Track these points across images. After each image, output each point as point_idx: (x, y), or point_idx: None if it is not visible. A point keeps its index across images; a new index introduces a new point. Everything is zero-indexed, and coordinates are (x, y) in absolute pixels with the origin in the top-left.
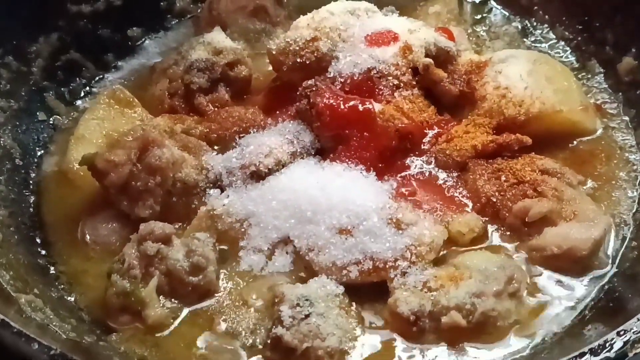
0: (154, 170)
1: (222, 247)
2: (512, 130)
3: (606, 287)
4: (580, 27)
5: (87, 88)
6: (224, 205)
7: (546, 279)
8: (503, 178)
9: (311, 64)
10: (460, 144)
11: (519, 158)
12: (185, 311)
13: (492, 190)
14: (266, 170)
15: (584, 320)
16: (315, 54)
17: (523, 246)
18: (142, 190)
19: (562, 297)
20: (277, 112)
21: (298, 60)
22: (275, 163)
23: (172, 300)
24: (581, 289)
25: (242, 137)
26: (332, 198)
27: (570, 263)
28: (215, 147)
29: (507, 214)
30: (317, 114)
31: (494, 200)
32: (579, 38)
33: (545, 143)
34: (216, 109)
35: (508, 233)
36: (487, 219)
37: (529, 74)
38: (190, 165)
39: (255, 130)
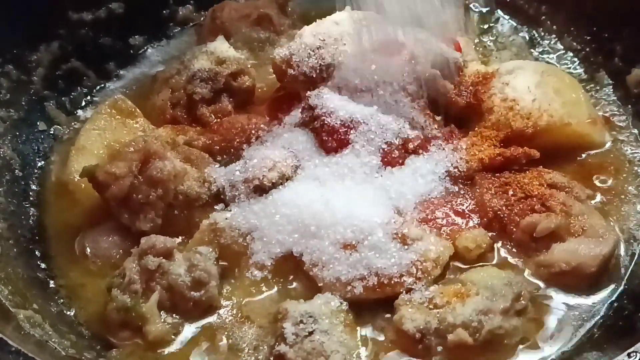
0: (156, 183)
1: (224, 262)
2: (520, 143)
3: (615, 305)
4: (588, 37)
5: (89, 97)
6: (226, 218)
7: (554, 296)
8: (510, 192)
9: (315, 74)
10: (467, 157)
11: (527, 172)
12: (187, 327)
13: (500, 204)
14: (270, 185)
15: (592, 339)
16: (320, 64)
17: (530, 262)
18: (144, 203)
19: (570, 315)
20: (281, 122)
21: (302, 70)
22: (279, 177)
23: (174, 315)
24: (590, 307)
25: (245, 148)
26: (337, 213)
27: (579, 280)
28: (218, 159)
29: (514, 229)
30: (321, 126)
31: (501, 215)
32: (588, 49)
33: (553, 156)
34: (219, 119)
35: (514, 249)
36: (494, 233)
37: (536, 86)
38: (192, 177)
39: (258, 141)
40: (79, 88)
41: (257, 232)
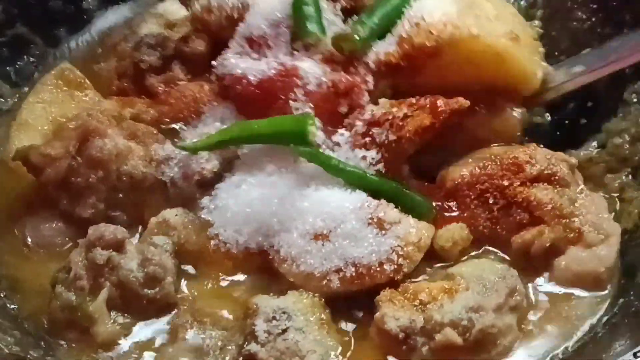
0: (96, 164)
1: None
2: (424, 63)
3: (621, 301)
4: None
5: (35, 67)
6: (176, 215)
7: (552, 292)
8: (491, 201)
9: (236, 13)
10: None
11: (499, 162)
12: (140, 328)
13: (484, 218)
14: (212, 175)
15: (595, 339)
16: (240, 2)
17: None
18: (83, 186)
19: (571, 312)
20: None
21: (223, 12)
22: (221, 163)
23: (125, 315)
24: (593, 304)
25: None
26: (303, 201)
27: (589, 289)
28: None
29: (506, 247)
30: (237, 96)
31: (487, 232)
32: None
33: (493, 103)
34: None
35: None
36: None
37: (451, 3)
38: (137, 156)
39: (198, 118)
40: (25, 57)
41: (213, 229)
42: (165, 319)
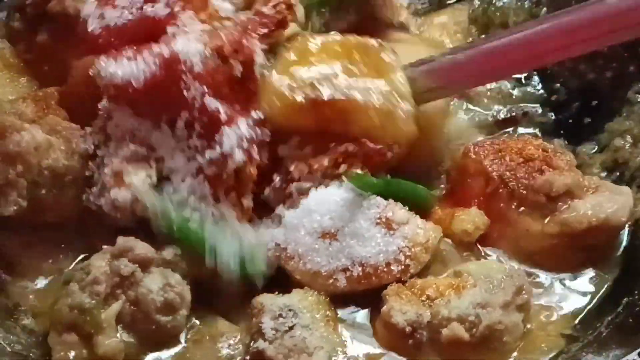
0: (14, 158)
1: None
2: None
3: (625, 300)
4: None
5: None
6: (176, 254)
7: (558, 292)
8: (508, 158)
9: None
10: None
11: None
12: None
13: (502, 169)
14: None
15: (600, 339)
16: None
17: (552, 223)
18: (2, 184)
19: (576, 311)
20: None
21: None
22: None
23: (130, 334)
24: (597, 303)
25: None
26: (309, 200)
27: (606, 236)
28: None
29: (525, 192)
30: (128, 101)
31: (507, 179)
32: None
33: None
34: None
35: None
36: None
37: None
38: (58, 149)
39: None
40: None
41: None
42: (165, 352)
